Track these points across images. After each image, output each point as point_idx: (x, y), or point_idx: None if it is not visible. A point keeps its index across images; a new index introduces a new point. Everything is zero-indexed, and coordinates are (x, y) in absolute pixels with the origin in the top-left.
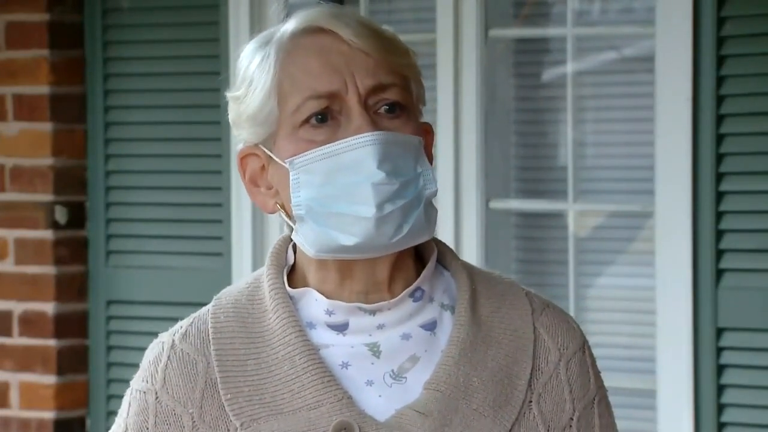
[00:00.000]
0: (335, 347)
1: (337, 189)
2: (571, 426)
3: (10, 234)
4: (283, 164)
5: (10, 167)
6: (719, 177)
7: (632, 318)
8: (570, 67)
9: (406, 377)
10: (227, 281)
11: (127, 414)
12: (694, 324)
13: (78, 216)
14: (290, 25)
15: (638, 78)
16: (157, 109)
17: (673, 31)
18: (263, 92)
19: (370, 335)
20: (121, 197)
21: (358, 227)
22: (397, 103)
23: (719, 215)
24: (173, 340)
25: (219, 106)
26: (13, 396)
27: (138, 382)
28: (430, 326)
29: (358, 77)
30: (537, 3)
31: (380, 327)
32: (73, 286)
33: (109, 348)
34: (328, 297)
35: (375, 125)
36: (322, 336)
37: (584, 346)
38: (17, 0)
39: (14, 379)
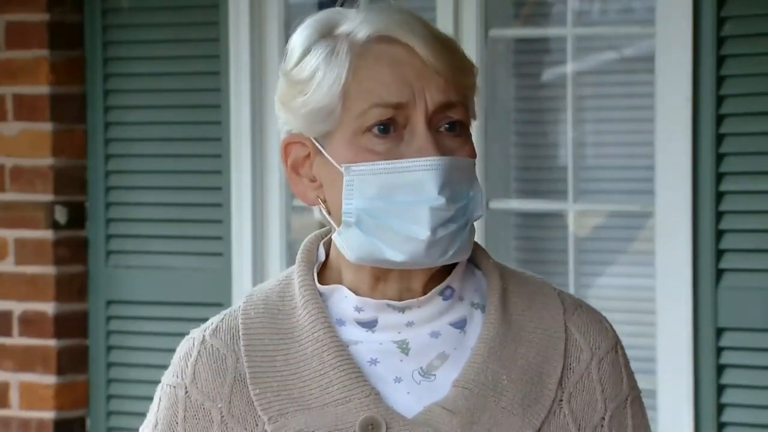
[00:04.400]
0: (364, 344)
1: (392, 205)
2: (602, 426)
3: (10, 234)
4: (337, 167)
5: (10, 167)
6: (719, 177)
7: (632, 318)
8: (570, 67)
9: (435, 375)
10: (227, 281)
11: (158, 408)
12: (694, 324)
13: (78, 216)
14: (363, 29)
15: (638, 78)
16: (157, 109)
17: (673, 31)
18: (330, 91)
19: (399, 332)
20: (121, 197)
21: (408, 246)
22: (459, 122)
23: (719, 215)
24: (204, 336)
25: (219, 106)
26: (13, 396)
27: (168, 377)
28: (460, 324)
29: (428, 93)
30: (537, 3)
31: (409, 324)
32: (73, 286)
33: (109, 348)
34: (358, 294)
35: (438, 147)
36: (351, 333)
37: (617, 346)
38: (17, 0)
39: (14, 379)
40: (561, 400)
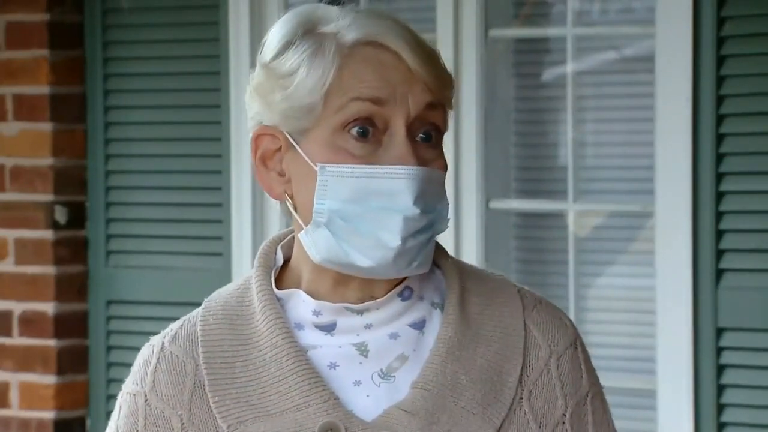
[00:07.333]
0: (323, 348)
1: (365, 210)
2: (564, 422)
3: (10, 234)
4: (312, 165)
5: (10, 167)
6: (719, 177)
7: (632, 318)
8: (570, 67)
9: (394, 376)
10: (227, 281)
11: (118, 416)
12: (694, 324)
13: (78, 216)
14: (352, 31)
15: (638, 78)
16: (157, 109)
17: (673, 31)
18: (313, 90)
19: (358, 335)
20: (121, 197)
21: (377, 253)
22: (436, 129)
23: (719, 215)
24: (163, 343)
25: (219, 106)
26: (13, 396)
27: (129, 384)
28: (419, 325)
29: (411, 98)
30: (537, 3)
31: (368, 327)
32: (73, 286)
33: (109, 348)
34: (316, 297)
35: (416, 157)
36: (309, 337)
37: (576, 342)
38: (17, 0)
39: (14, 379)
40: (521, 399)
